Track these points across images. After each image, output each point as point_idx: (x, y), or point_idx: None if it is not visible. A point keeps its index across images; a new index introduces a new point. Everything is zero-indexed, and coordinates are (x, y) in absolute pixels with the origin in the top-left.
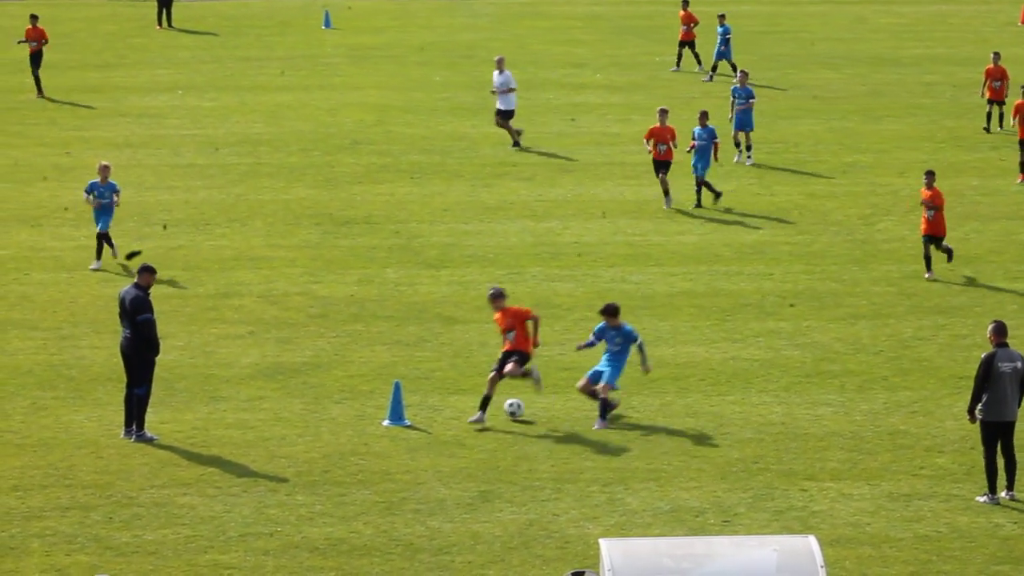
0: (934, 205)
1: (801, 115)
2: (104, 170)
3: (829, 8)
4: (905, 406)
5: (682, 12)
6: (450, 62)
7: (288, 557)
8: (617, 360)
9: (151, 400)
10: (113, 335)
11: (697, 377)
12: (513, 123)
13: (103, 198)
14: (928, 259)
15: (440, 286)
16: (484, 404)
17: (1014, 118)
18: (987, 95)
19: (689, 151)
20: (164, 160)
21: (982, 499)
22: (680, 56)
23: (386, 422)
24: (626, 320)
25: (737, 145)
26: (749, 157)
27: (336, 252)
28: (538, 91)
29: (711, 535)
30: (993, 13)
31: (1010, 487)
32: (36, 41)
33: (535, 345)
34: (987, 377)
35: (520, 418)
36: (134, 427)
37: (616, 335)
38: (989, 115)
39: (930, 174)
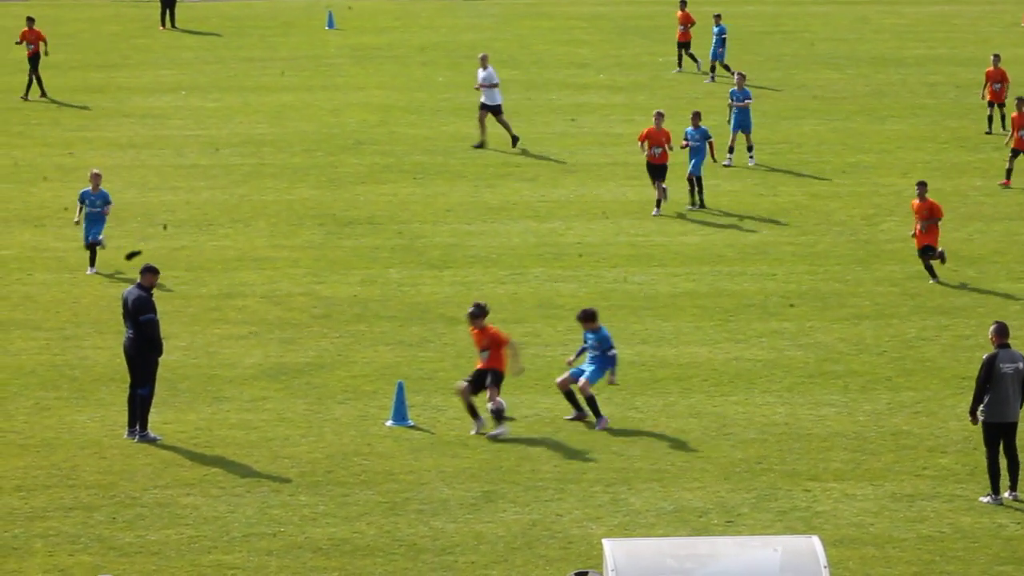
0: (932, 217)
1: (804, 115)
2: (95, 178)
3: (832, 8)
4: (908, 406)
5: (680, 13)
6: (453, 62)
7: (291, 557)
8: (597, 362)
9: (154, 400)
10: (116, 335)
11: (700, 377)
12: (513, 125)
13: (94, 207)
14: (930, 268)
15: (443, 287)
16: (473, 414)
17: (1013, 131)
18: (987, 97)
19: (683, 147)
20: (167, 161)
21: (985, 500)
22: (680, 57)
23: (389, 422)
24: (629, 320)
25: (731, 150)
26: (751, 158)
27: (339, 252)
28: (541, 91)
29: (714, 535)
30: (997, 14)
31: (1013, 487)
32: (33, 43)
33: (517, 372)
34: (989, 378)
35: (506, 416)
36: (137, 427)
37: (593, 338)
38: (990, 118)
39: (922, 185)
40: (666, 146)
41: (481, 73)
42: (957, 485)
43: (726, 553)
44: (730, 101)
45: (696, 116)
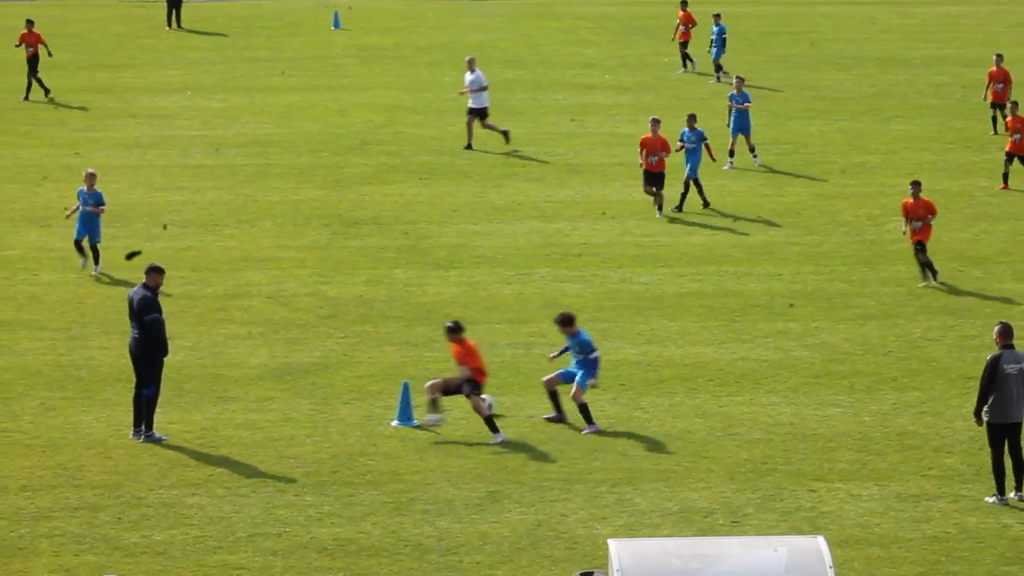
0: (928, 215)
1: (810, 116)
2: (90, 178)
3: (839, 9)
4: (914, 407)
5: (681, 13)
6: (460, 63)
7: (297, 557)
8: (583, 366)
9: (160, 400)
10: (122, 336)
11: (706, 378)
12: (509, 124)
13: (86, 205)
14: (928, 265)
15: (449, 287)
16: (434, 406)
17: (1010, 132)
18: (989, 98)
19: (679, 150)
20: (173, 161)
21: (991, 500)
22: (684, 57)
23: (395, 423)
24: (635, 320)
25: (731, 154)
26: (755, 158)
27: (345, 253)
28: (547, 92)
29: (720, 536)
30: (1004, 14)
31: (1019, 488)
32: (32, 46)
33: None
34: (993, 379)
35: (495, 410)
36: (143, 427)
37: (574, 343)
38: (994, 119)
39: (916, 184)
40: (661, 153)
41: (468, 76)
42: (963, 485)
43: (731, 553)
44: (729, 104)
45: (691, 118)
